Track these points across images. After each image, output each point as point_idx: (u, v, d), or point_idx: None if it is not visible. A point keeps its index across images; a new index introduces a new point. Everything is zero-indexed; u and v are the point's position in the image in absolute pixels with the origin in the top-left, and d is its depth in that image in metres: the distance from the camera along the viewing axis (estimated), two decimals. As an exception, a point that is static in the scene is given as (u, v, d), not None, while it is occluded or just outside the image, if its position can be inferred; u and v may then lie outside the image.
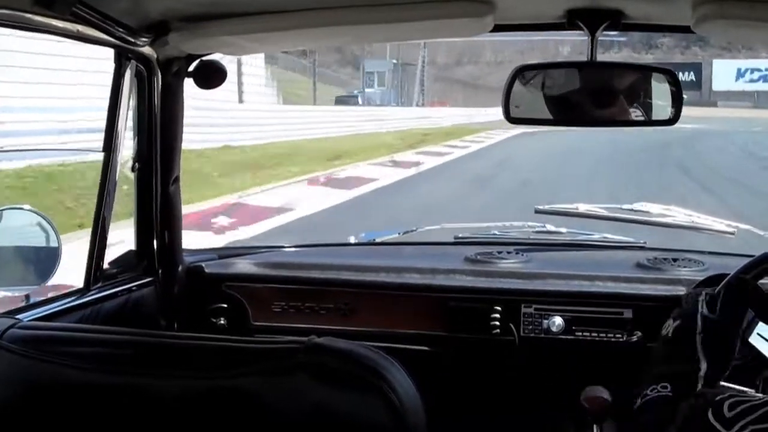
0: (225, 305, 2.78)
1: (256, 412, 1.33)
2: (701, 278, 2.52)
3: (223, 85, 2.43)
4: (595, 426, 2.18)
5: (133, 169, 2.49)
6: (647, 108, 2.17)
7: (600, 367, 2.53)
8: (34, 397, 1.40)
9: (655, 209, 3.19)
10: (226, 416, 1.33)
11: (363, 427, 1.31)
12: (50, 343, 1.43)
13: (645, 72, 2.21)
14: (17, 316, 1.99)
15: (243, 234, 10.31)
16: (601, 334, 2.58)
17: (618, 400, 2.17)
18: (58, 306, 2.19)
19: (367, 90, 51.58)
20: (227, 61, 2.49)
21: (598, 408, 2.16)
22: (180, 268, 2.71)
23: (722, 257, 2.84)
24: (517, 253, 2.93)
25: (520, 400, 2.66)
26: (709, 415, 1.26)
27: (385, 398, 1.29)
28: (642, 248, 3.03)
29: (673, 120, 2.15)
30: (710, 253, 2.90)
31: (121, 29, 2.02)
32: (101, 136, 2.29)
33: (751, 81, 67.02)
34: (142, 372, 1.38)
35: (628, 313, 2.58)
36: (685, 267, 2.75)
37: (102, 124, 2.30)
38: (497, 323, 2.64)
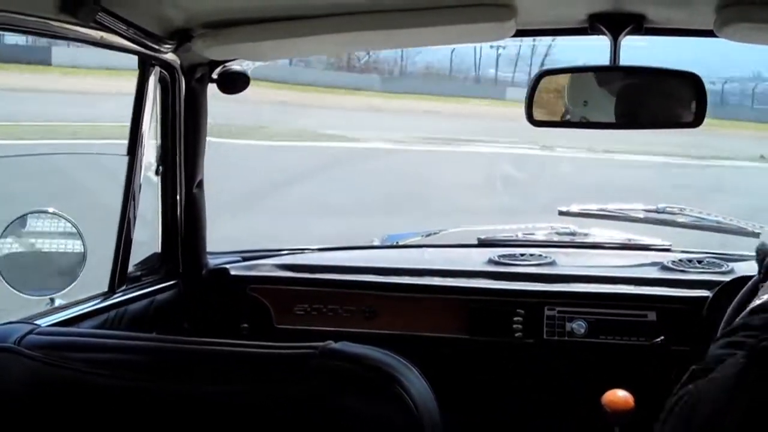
0: (248, 308, 2.79)
1: (272, 418, 1.34)
2: (727, 281, 2.50)
3: None
4: (616, 429, 2.17)
5: (157, 172, 2.51)
6: (670, 110, 2.16)
7: (623, 371, 2.52)
8: (51, 402, 1.40)
9: (679, 211, 3.16)
10: (243, 421, 1.33)
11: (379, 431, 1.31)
12: (68, 349, 1.43)
13: (668, 75, 2.20)
14: (44, 319, 2.03)
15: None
16: (625, 338, 2.56)
17: (641, 404, 2.15)
18: (83, 309, 2.21)
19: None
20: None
21: (621, 412, 2.14)
22: (204, 271, 2.73)
23: (748, 259, 2.81)
24: (540, 255, 2.91)
25: (542, 403, 2.65)
26: None
27: (400, 403, 1.29)
28: (667, 250, 3.01)
29: (696, 122, 2.14)
30: (735, 255, 2.88)
31: (144, 36, 2.04)
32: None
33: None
34: (159, 378, 1.39)
35: (652, 316, 2.56)
36: (710, 269, 2.73)
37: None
38: (520, 326, 2.63)
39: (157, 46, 2.13)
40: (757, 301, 1.53)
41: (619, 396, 2.17)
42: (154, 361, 1.43)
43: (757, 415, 1.19)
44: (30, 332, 1.46)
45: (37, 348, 1.42)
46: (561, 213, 3.26)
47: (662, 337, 2.53)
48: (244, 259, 2.96)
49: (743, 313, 1.53)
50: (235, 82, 2.48)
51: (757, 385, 1.21)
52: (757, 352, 1.25)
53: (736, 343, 1.41)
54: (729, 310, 2.15)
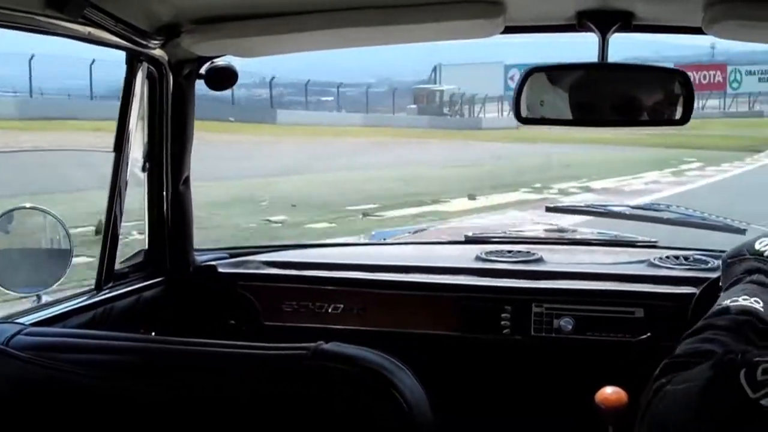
0: (236, 305, 2.78)
1: (263, 419, 1.33)
2: (713, 277, 2.51)
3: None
4: (610, 427, 2.17)
5: (144, 169, 2.50)
6: (658, 108, 2.16)
7: (612, 368, 2.52)
8: (40, 403, 1.40)
9: (665, 207, 3.17)
10: (233, 422, 1.33)
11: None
12: (56, 350, 1.43)
13: (655, 73, 2.21)
14: (30, 316, 2.02)
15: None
16: (612, 334, 2.57)
17: (633, 400, 2.16)
18: (70, 305, 2.20)
19: None
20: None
21: (614, 409, 2.14)
22: (191, 268, 2.72)
23: None
24: (527, 252, 2.92)
25: (532, 400, 2.65)
26: (741, 374, 1.21)
27: (393, 403, 1.29)
28: (653, 246, 3.02)
29: (683, 119, 2.14)
30: (721, 251, 2.88)
31: (132, 32, 2.04)
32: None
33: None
34: (148, 379, 1.39)
35: (639, 313, 2.57)
36: (695, 266, 2.73)
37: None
38: (508, 323, 2.63)
39: (144, 42, 2.13)
40: (716, 305, 1.62)
41: (612, 393, 2.17)
42: (144, 362, 1.43)
43: (725, 420, 1.22)
44: (18, 332, 1.46)
45: (26, 349, 1.42)
46: (548, 209, 3.27)
47: (649, 334, 2.54)
48: (232, 256, 2.95)
49: (708, 314, 1.59)
50: (222, 78, 2.47)
51: (724, 393, 1.24)
52: (723, 363, 1.30)
53: (705, 339, 1.50)
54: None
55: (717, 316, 1.57)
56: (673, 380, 1.38)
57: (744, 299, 1.59)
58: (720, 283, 1.85)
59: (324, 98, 42.95)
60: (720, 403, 1.24)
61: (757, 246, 1.80)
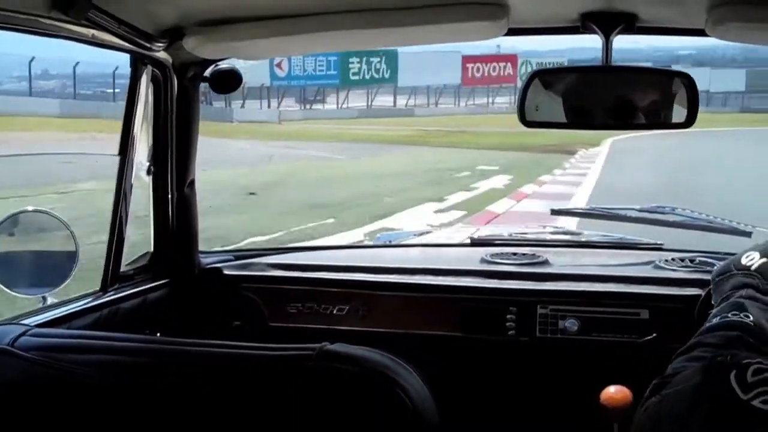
0: (241, 307, 2.79)
1: (268, 419, 1.34)
2: None
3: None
4: (615, 425, 2.17)
5: (148, 172, 2.50)
6: (663, 111, 2.16)
7: (617, 369, 2.52)
8: (45, 403, 1.40)
9: (671, 210, 3.17)
10: (239, 423, 1.33)
11: None
12: (61, 350, 1.44)
13: (660, 75, 2.21)
14: (36, 317, 2.03)
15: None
16: (617, 336, 2.57)
17: (638, 400, 2.16)
18: (76, 307, 2.21)
19: None
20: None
21: (619, 408, 2.14)
22: (196, 270, 2.73)
23: None
24: (532, 254, 2.92)
25: (537, 402, 2.65)
26: (732, 375, 1.22)
27: (398, 403, 1.29)
28: (659, 249, 3.01)
29: (687, 123, 2.14)
30: (726, 254, 2.88)
31: (136, 35, 2.04)
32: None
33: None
34: (153, 379, 1.39)
35: (644, 314, 2.57)
36: (701, 268, 2.73)
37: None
38: (512, 324, 2.64)
39: (148, 45, 2.13)
40: (707, 324, 1.62)
41: (617, 392, 2.16)
42: (149, 363, 1.43)
43: (716, 421, 1.22)
44: (23, 333, 1.46)
45: (31, 349, 1.42)
46: (553, 212, 3.26)
47: (654, 335, 2.54)
48: (237, 258, 2.96)
49: (698, 333, 1.59)
50: (227, 81, 2.48)
51: (715, 395, 1.24)
52: (713, 365, 1.32)
53: (694, 357, 1.50)
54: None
55: (707, 334, 1.57)
56: (662, 392, 1.39)
57: (734, 314, 1.59)
58: (712, 301, 1.84)
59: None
60: (710, 405, 1.24)
61: (744, 261, 1.80)
